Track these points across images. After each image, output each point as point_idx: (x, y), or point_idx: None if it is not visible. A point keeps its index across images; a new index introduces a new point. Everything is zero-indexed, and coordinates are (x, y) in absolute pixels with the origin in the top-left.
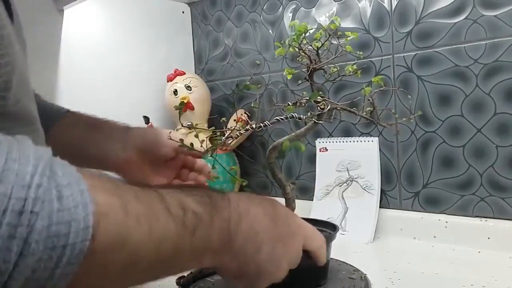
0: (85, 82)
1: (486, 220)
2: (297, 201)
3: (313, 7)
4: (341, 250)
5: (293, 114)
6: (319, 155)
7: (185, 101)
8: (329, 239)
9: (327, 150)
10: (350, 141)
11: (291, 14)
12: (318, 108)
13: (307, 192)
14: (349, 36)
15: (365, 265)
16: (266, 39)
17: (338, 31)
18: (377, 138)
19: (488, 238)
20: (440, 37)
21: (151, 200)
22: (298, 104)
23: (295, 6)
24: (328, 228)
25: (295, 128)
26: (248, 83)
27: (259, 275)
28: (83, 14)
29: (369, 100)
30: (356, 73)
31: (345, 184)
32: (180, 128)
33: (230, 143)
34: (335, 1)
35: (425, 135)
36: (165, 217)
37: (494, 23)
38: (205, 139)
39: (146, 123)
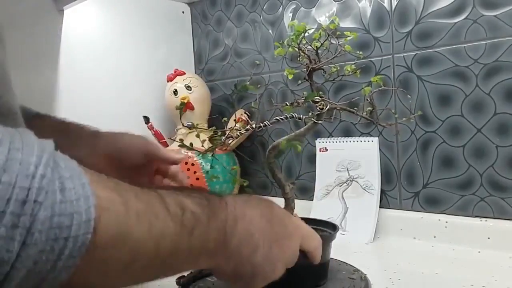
0: (85, 82)
1: (486, 220)
2: (297, 201)
3: (313, 7)
4: (341, 250)
5: (293, 114)
6: (319, 155)
7: (185, 101)
8: (329, 239)
9: (327, 150)
10: (350, 141)
11: (291, 14)
12: (318, 108)
13: (307, 192)
14: (348, 36)
15: (365, 265)
16: (266, 39)
17: (338, 31)
18: (377, 138)
19: (488, 238)
20: (440, 37)
21: (151, 198)
22: (295, 104)
23: (295, 6)
24: (328, 228)
25: (295, 128)
26: (247, 83)
27: (255, 275)
28: (83, 14)
29: (367, 100)
30: (355, 72)
31: (345, 184)
32: (180, 128)
33: (230, 143)
34: (335, 1)
35: (425, 135)
36: (164, 215)
37: (494, 23)
38: (206, 139)
39: (146, 123)
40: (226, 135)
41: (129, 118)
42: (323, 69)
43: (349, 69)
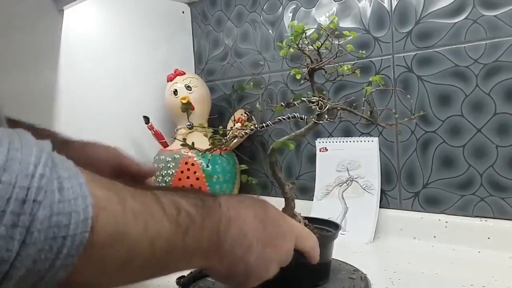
0: (85, 82)
1: (486, 220)
2: (297, 201)
3: (313, 7)
4: (341, 250)
5: (295, 114)
6: (319, 155)
7: (185, 101)
8: (331, 238)
9: (327, 150)
10: (350, 141)
11: (291, 14)
12: (317, 108)
13: (307, 192)
14: (348, 36)
15: (365, 265)
16: (266, 39)
17: (337, 31)
18: (377, 138)
19: (488, 238)
20: (440, 37)
21: (147, 198)
22: (288, 104)
23: (295, 6)
24: (330, 227)
25: (295, 128)
26: (247, 83)
27: (249, 275)
28: (83, 14)
29: (366, 100)
30: (354, 72)
31: (345, 184)
32: (180, 128)
33: (231, 143)
34: (335, 1)
35: (425, 135)
36: (160, 215)
37: (494, 23)
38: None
39: (146, 123)
40: (227, 135)
41: (129, 118)
42: (323, 69)
43: (346, 68)
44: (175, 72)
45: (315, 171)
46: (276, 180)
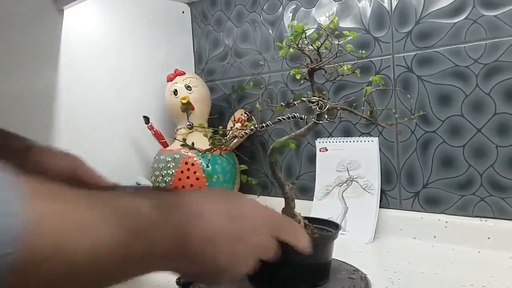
0: (85, 82)
1: (486, 220)
2: (297, 201)
3: (313, 7)
4: (341, 250)
5: (295, 114)
6: (319, 155)
7: (185, 101)
8: (331, 238)
9: (327, 150)
10: (350, 141)
11: (291, 14)
12: (317, 108)
13: (307, 192)
14: (348, 36)
15: (365, 265)
16: (266, 39)
17: (337, 31)
18: (377, 138)
19: (488, 238)
20: (440, 37)
21: (98, 204)
22: (288, 104)
23: (295, 6)
24: (330, 227)
25: (295, 128)
26: (247, 83)
27: (220, 274)
28: (83, 14)
29: (366, 100)
30: (354, 72)
31: (345, 184)
32: (180, 128)
33: (231, 143)
34: (335, 1)
35: (425, 135)
36: (110, 222)
37: (494, 23)
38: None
39: (146, 123)
40: (227, 135)
41: (129, 118)
42: (323, 69)
43: (345, 68)
44: (175, 72)
45: (315, 171)
46: (276, 180)
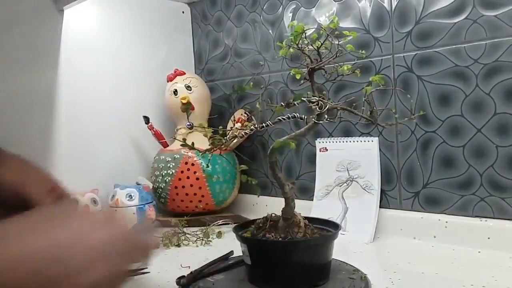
0: (85, 82)
1: (486, 220)
2: (297, 201)
3: (313, 7)
4: (341, 250)
5: (295, 114)
6: (319, 155)
7: (185, 101)
8: (331, 238)
9: (327, 150)
10: (350, 141)
11: (291, 14)
12: (317, 108)
13: (307, 192)
14: (348, 36)
15: (365, 265)
16: (266, 39)
17: (337, 31)
18: (377, 138)
19: (488, 238)
20: (440, 37)
21: None
22: (288, 104)
23: (295, 6)
24: (330, 227)
25: (295, 128)
26: (247, 83)
27: None
28: (83, 14)
29: (366, 100)
30: (354, 72)
31: (345, 184)
32: (180, 128)
33: (231, 143)
34: (335, 1)
35: (425, 135)
36: None
37: (494, 23)
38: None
39: (146, 123)
40: (227, 135)
41: (129, 118)
42: (323, 69)
43: (345, 68)
44: (175, 72)
45: (315, 171)
46: (276, 180)
